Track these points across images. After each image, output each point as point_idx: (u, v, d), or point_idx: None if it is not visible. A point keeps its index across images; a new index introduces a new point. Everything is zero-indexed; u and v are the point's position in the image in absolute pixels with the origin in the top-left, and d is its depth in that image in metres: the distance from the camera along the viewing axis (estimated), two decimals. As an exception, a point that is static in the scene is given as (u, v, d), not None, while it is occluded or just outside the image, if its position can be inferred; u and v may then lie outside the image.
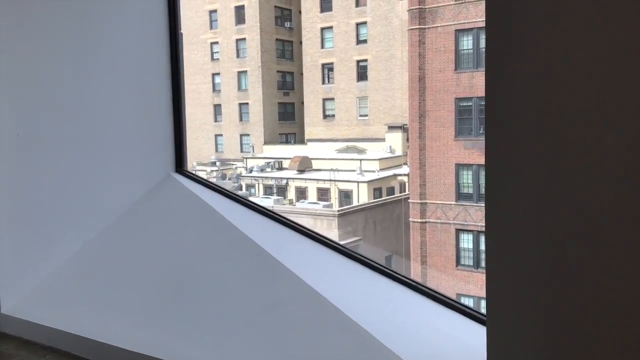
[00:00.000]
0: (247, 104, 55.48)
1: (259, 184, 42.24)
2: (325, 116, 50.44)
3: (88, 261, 3.98)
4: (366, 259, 3.06)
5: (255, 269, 3.16)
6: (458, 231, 28.38)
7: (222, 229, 3.18)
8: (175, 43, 3.99)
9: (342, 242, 28.39)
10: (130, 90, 4.26)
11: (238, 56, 55.91)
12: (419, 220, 29.07)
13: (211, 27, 57.72)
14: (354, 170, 39.20)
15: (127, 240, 3.95)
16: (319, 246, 3.33)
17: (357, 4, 47.40)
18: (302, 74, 52.83)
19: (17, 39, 3.70)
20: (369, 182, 37.28)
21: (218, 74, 57.58)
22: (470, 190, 27.99)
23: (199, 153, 58.96)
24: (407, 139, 43.10)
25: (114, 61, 4.08)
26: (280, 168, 45.07)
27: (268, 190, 41.46)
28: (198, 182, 4.02)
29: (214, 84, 58.08)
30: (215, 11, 56.92)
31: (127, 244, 3.92)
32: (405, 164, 41.14)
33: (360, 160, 40.63)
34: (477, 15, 27.04)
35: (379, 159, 40.77)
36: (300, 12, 52.64)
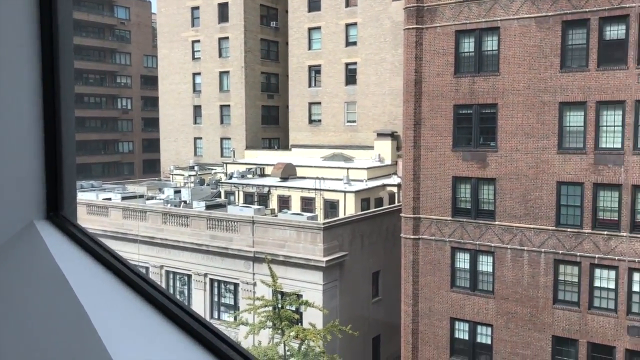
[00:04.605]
0: (228, 106, 53.02)
1: (239, 191, 39.77)
2: (311, 121, 48.14)
3: None
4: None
5: None
6: (454, 249, 26.18)
7: (69, 316, 1.72)
8: (49, 42, 2.38)
9: (327, 258, 26.03)
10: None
11: (220, 56, 53.47)
12: (412, 236, 26.80)
13: (193, 25, 55.27)
14: (341, 179, 36.92)
15: None
16: None
17: (347, 4, 45.25)
18: (287, 76, 50.52)
19: None
20: (356, 192, 35.01)
21: (199, 73, 55.08)
22: (468, 206, 25.81)
23: (177, 156, 56.37)
24: (397, 148, 40.99)
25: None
26: (263, 175, 42.69)
27: (249, 199, 39.02)
28: (72, 235, 2.35)
29: (194, 84, 55.56)
30: (197, 8, 54.46)
31: None
32: (394, 173, 38.98)
33: (348, 169, 38.38)
34: (479, 15, 24.97)
35: (367, 168, 38.56)
36: (287, 11, 50.37)
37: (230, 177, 42.28)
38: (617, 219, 22.93)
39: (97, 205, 36.38)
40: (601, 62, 22.74)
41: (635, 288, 22.82)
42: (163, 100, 57.92)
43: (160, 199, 38.87)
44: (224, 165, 46.97)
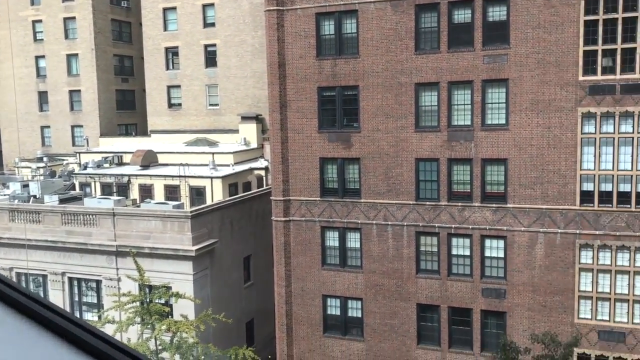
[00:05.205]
0: (79, 91, 49.31)
1: (95, 182, 37.30)
2: (170, 105, 46.27)
3: None
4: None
5: None
6: (324, 229, 26.70)
7: None
8: None
9: (196, 247, 25.34)
10: None
11: (67, 37, 49.46)
12: (282, 218, 26.89)
13: (32, 3, 50.47)
14: (207, 165, 36.02)
15: None
16: None
17: (204, -16, 43.83)
18: (142, 58, 48.01)
19: None
20: (223, 177, 34.38)
21: (43, 56, 50.56)
22: (336, 185, 26.40)
23: (22, 147, 51.53)
24: (263, 131, 40.82)
25: None
26: (121, 163, 40.39)
27: (107, 189, 36.74)
28: None
29: (38, 68, 50.93)
30: (36, -16, 49.80)
31: None
32: (261, 157, 38.84)
33: (213, 153, 37.52)
34: (338, -2, 25.33)
35: (234, 152, 37.98)
36: (138, -10, 47.70)
37: (85, 168, 39.52)
38: (469, 190, 24.72)
39: None
40: (451, 45, 24.17)
41: (487, 253, 24.85)
42: (1, 86, 52.48)
43: (5, 195, 35.33)
44: (77, 155, 43.77)
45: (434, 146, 24.83)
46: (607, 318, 23.33)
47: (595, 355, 23.45)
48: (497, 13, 23.61)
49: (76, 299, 30.07)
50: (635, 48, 21.86)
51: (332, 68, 25.73)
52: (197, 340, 22.22)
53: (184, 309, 24.42)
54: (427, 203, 25.18)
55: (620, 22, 21.88)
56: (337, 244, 26.68)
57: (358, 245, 26.40)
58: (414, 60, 24.67)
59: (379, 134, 25.42)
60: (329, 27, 25.74)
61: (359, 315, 26.86)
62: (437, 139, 24.76)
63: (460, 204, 24.77)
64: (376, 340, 26.48)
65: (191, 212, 27.70)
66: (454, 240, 25.19)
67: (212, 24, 44.02)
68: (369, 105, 25.43)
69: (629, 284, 22.99)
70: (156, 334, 21.37)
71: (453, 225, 24.92)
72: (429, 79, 24.60)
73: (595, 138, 22.68)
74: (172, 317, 23.88)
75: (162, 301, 23.55)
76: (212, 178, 34.33)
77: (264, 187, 34.42)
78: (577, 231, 23.22)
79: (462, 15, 24.09)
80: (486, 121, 24.12)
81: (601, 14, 22.10)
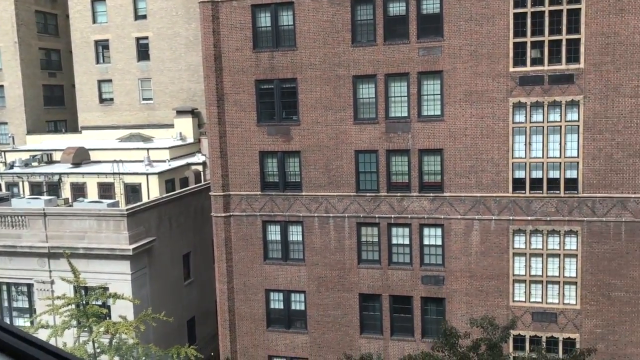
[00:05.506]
0: (2, 86, 46.80)
1: (23, 181, 35.58)
2: (102, 100, 44.66)
3: None
4: None
5: None
6: (265, 223, 26.51)
7: None
8: None
9: (133, 246, 24.64)
10: None
11: (-14, 29, 46.75)
12: (223, 214, 26.50)
13: (-53, -7, 47.40)
14: (142, 161, 35.03)
15: None
16: None
17: (134, -25, 42.46)
18: (70, 52, 46.06)
19: None
20: (159, 173, 33.54)
21: (-40, 50, 47.60)
22: (276, 179, 26.25)
23: (-60, 146, 48.49)
24: (199, 125, 40.09)
25: None
26: (51, 162, 38.71)
27: (36, 189, 35.13)
28: None
29: (-45, 62, 47.93)
30: (-49, -27, 46.76)
31: None
32: (198, 151, 38.16)
33: (148, 149, 36.52)
34: (274, -10, 25.10)
35: (169, 148, 37.10)
36: (64, -20, 45.68)
37: (12, 167, 37.67)
38: (407, 181, 25.16)
39: None
40: (387, 37, 24.44)
41: (425, 242, 25.40)
42: None
43: None
44: (2, 153, 41.62)
45: (372, 138, 25.08)
46: (540, 300, 24.36)
47: (530, 336, 24.46)
48: (430, 6, 24.04)
49: (5, 304, 28.66)
50: (561, 40, 22.81)
51: (269, 60, 25.51)
52: (138, 340, 21.64)
53: (122, 309, 23.71)
54: (368, 194, 25.45)
55: (547, 14, 22.76)
56: (279, 237, 26.57)
57: (300, 238, 26.40)
58: (351, 53, 24.80)
59: (318, 126, 25.44)
60: (265, 19, 25.48)
61: (302, 308, 26.89)
62: (375, 130, 25.03)
63: (399, 194, 25.17)
64: (320, 332, 26.60)
65: (127, 210, 26.88)
66: (394, 230, 25.60)
67: (144, 16, 42.74)
68: (307, 98, 25.39)
69: (559, 267, 24.07)
70: (94, 337, 20.66)
71: (393, 215, 25.31)
72: (366, 72, 24.80)
73: (525, 127, 23.55)
74: (110, 318, 23.14)
75: (100, 303, 22.80)
76: (147, 174, 33.43)
77: (203, 183, 33.84)
78: (511, 217, 24.08)
79: (397, 8, 24.39)
80: (422, 112, 24.58)
81: (529, 7, 22.91)
